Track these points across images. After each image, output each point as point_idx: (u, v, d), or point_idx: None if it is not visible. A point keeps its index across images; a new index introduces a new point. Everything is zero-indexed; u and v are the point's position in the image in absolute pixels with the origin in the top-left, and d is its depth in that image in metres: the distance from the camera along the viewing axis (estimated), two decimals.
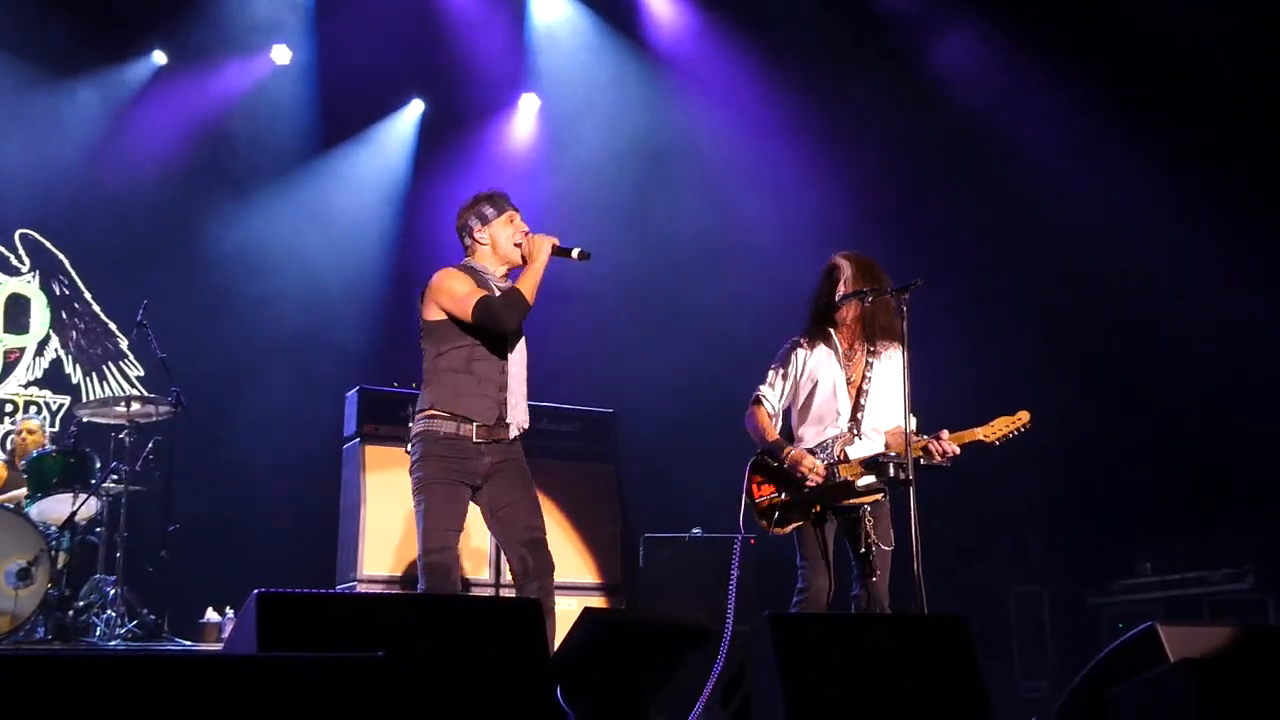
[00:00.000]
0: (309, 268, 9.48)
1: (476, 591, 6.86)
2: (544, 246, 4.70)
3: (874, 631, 3.72)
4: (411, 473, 4.59)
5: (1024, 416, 5.04)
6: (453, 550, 4.52)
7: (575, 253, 4.76)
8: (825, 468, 4.91)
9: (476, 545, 7.04)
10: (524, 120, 10.28)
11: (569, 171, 9.82)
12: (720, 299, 9.12)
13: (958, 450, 4.89)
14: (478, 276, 4.72)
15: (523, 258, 4.74)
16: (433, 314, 4.68)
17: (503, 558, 7.00)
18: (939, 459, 4.87)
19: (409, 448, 4.63)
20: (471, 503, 4.63)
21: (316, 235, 9.62)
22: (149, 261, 9.03)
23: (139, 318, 7.53)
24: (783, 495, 4.98)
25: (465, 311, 4.56)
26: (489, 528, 4.73)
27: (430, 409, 4.60)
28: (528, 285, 4.63)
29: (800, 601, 4.94)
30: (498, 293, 4.66)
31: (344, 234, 9.79)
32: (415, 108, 10.27)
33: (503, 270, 4.82)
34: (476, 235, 4.83)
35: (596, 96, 9.82)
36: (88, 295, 9.28)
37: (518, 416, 4.69)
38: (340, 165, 9.98)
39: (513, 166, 10.06)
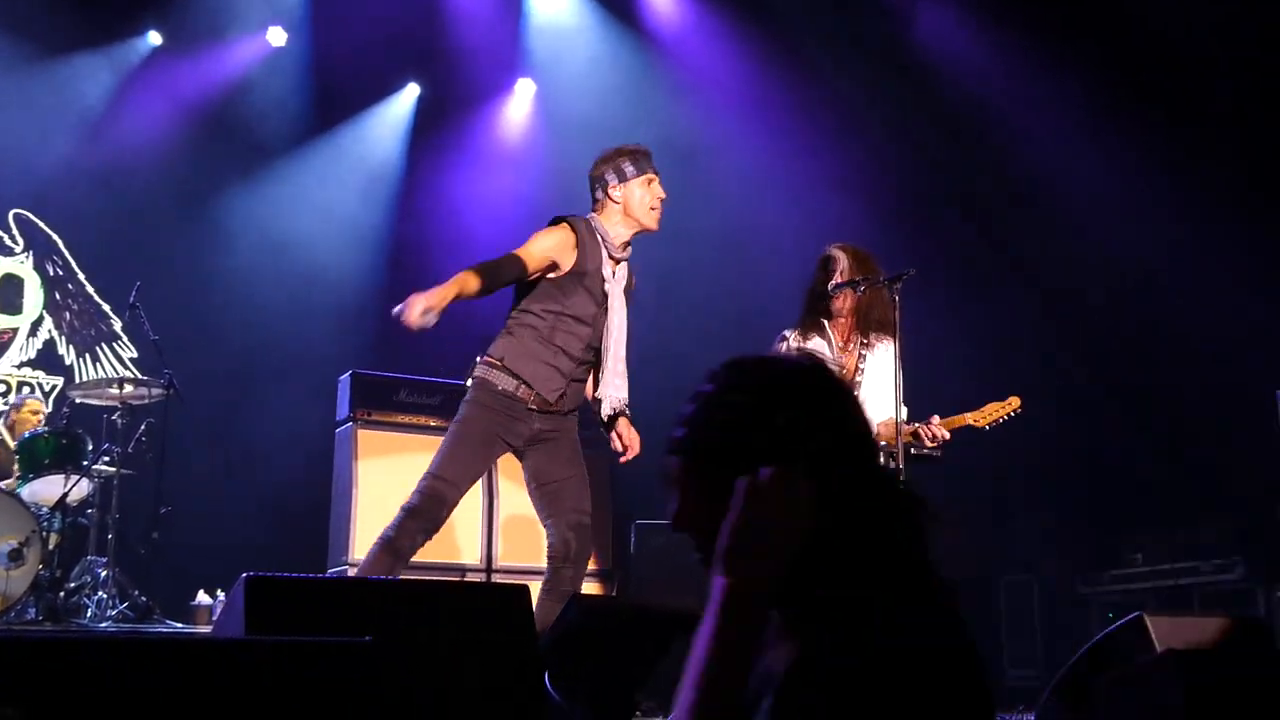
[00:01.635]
0: (303, 251, 9.47)
1: (469, 577, 6.87)
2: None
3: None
4: (461, 408, 4.54)
5: (1014, 402, 5.07)
6: (461, 492, 4.42)
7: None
8: None
9: (468, 530, 7.05)
10: (519, 105, 10.26)
11: (564, 158, 9.80)
12: (715, 285, 9.12)
13: (948, 435, 4.92)
14: (592, 239, 4.62)
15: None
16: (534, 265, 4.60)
17: (495, 543, 7.09)
18: (930, 444, 4.89)
19: (468, 382, 4.60)
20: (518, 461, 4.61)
21: (311, 218, 9.61)
22: (143, 243, 9.02)
23: (132, 299, 7.52)
24: None
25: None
26: (531, 497, 4.63)
27: (497, 360, 4.52)
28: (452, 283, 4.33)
29: None
30: (604, 263, 4.60)
31: (339, 217, 9.77)
32: (411, 91, 10.25)
33: (628, 234, 4.70)
34: (610, 191, 4.69)
35: (593, 82, 9.79)
36: (81, 276, 9.27)
37: (610, 393, 4.68)
38: (335, 148, 9.96)
39: (508, 152, 10.05)
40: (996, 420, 5.06)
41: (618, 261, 4.71)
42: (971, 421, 5.03)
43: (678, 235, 9.22)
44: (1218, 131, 7.43)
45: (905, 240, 7.73)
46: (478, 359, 4.62)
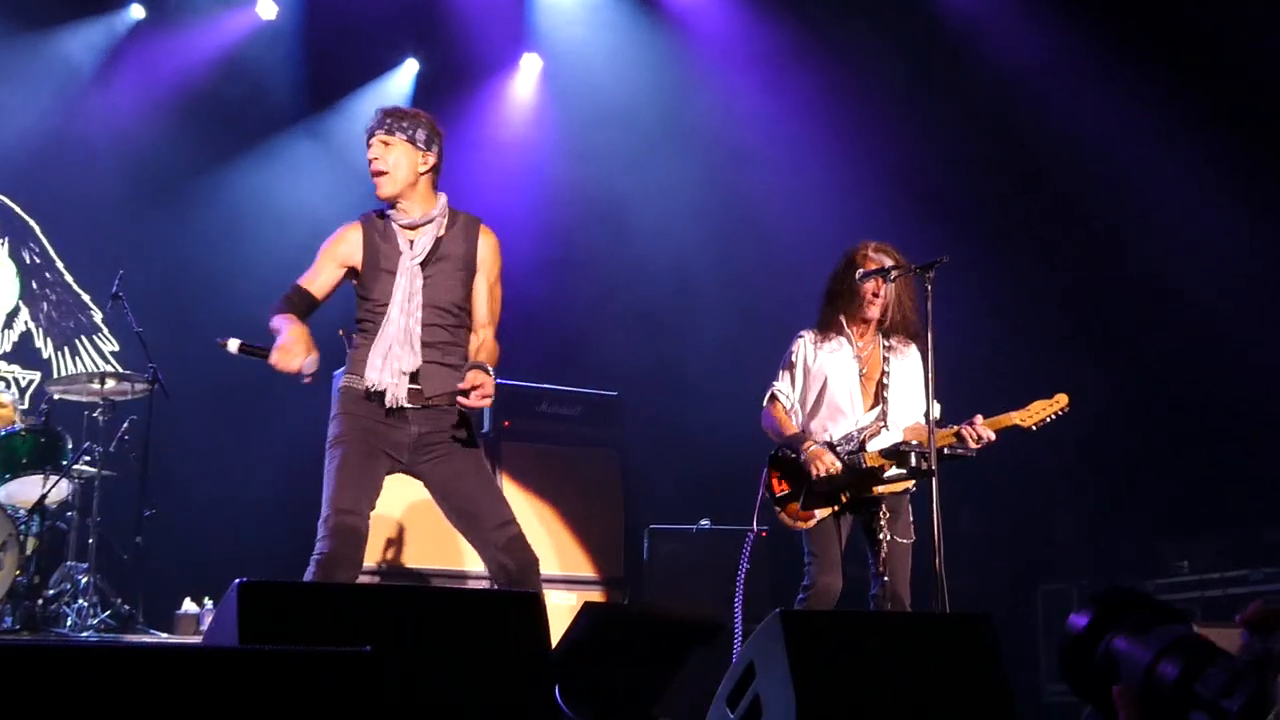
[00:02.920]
0: (295, 238, 9.42)
1: (474, 584, 6.88)
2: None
3: (891, 630, 3.74)
4: (330, 429, 4.43)
5: (1062, 400, 5.06)
6: (366, 517, 4.23)
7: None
8: (847, 456, 4.96)
9: None
10: (525, 82, 10.25)
11: (571, 137, 9.81)
12: (730, 274, 9.12)
13: (994, 436, 4.91)
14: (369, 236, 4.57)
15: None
16: None
17: None
18: (973, 445, 4.90)
19: None
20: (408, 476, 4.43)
21: (305, 202, 9.59)
22: (126, 230, 9.02)
23: (114, 289, 7.53)
24: (804, 488, 5.01)
25: None
26: (448, 519, 4.43)
27: (349, 367, 4.47)
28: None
29: (805, 599, 4.97)
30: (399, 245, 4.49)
31: (333, 202, 9.75)
32: (410, 68, 10.24)
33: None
34: (435, 160, 4.60)
35: (602, 57, 9.78)
36: (60, 265, 9.29)
37: (393, 375, 4.35)
38: (330, 128, 9.96)
39: (512, 131, 10.05)
40: (1044, 420, 5.04)
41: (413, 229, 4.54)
42: (1018, 421, 5.01)
43: (699, 216, 9.31)
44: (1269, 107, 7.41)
45: (935, 229, 7.72)
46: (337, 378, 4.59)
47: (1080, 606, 1.92)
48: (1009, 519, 8.41)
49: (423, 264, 4.44)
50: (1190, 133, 7.57)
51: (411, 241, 4.47)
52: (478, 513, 4.30)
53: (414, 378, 4.35)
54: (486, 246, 4.57)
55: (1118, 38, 7.88)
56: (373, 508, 4.29)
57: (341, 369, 4.58)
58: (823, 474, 4.94)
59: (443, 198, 4.55)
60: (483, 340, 4.52)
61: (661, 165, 9.47)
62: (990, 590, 7.74)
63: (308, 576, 4.16)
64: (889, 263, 5.10)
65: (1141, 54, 7.79)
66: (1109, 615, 1.86)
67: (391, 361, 4.35)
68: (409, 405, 4.33)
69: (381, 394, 4.33)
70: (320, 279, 4.57)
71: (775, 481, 5.12)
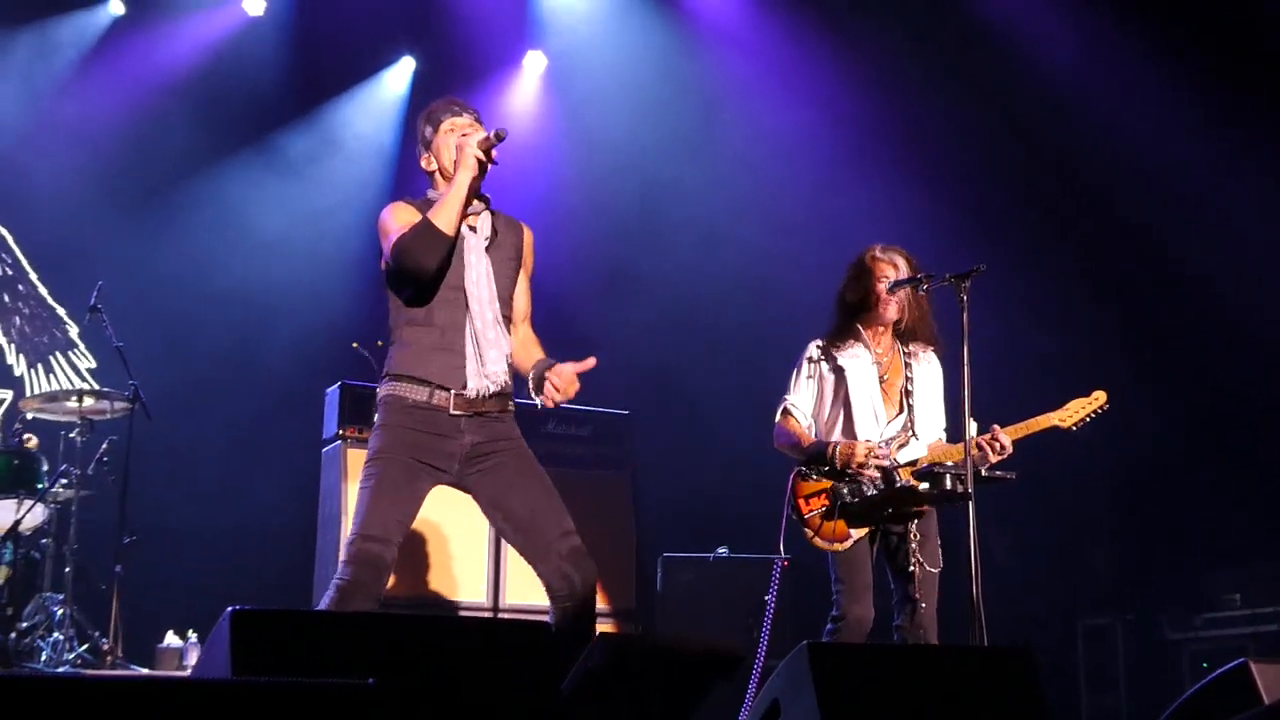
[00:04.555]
0: (284, 245, 9.49)
1: (465, 615, 6.89)
2: (466, 155, 4.25)
3: (926, 664, 3.73)
4: (369, 443, 4.29)
5: (1100, 397, 5.09)
6: (394, 545, 4.14)
7: (493, 134, 4.27)
8: (885, 460, 4.94)
9: (472, 563, 7.06)
10: (528, 81, 10.29)
11: (578, 138, 9.83)
12: (750, 283, 9.14)
13: (1009, 446, 4.91)
14: (430, 207, 4.35)
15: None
16: (386, 261, 4.37)
17: (503, 577, 7.10)
18: (995, 457, 4.89)
19: (376, 417, 4.34)
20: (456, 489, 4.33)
21: (294, 209, 9.63)
22: (104, 239, 9.04)
23: (92, 301, 7.54)
24: (839, 504, 4.98)
25: (389, 254, 4.26)
26: (501, 533, 4.40)
27: (392, 372, 4.30)
28: (444, 209, 4.20)
29: (834, 631, 4.95)
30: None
31: (325, 207, 9.79)
32: (406, 65, 10.27)
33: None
34: (423, 163, 4.54)
35: (610, 55, 9.82)
36: (33, 276, 9.31)
37: (489, 369, 4.28)
38: (321, 130, 9.99)
39: (516, 133, 10.05)
40: (1083, 420, 5.07)
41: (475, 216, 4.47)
42: (1057, 422, 5.04)
43: (716, 221, 9.32)
44: None
45: (957, 231, 7.74)
46: (378, 387, 4.43)
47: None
48: (1044, 546, 8.39)
49: (486, 248, 4.39)
50: (1236, 126, 7.57)
51: (473, 227, 4.39)
52: (538, 522, 4.21)
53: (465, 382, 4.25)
54: (529, 240, 4.57)
55: (1157, 28, 7.90)
56: (406, 532, 4.23)
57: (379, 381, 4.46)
58: (863, 463, 4.91)
59: None
60: (529, 337, 4.52)
61: (674, 169, 9.49)
62: (1026, 624, 7.72)
63: (324, 602, 4.14)
64: (900, 261, 5.14)
65: (1182, 44, 7.81)
66: None
67: (487, 350, 4.27)
68: (459, 413, 4.23)
69: (432, 401, 4.22)
70: None
71: (802, 502, 5.08)
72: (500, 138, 4.22)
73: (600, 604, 7.38)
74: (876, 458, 4.95)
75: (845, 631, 4.90)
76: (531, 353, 4.43)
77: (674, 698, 3.64)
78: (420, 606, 6.85)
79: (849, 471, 4.98)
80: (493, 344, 4.30)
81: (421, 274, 4.21)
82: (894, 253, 5.20)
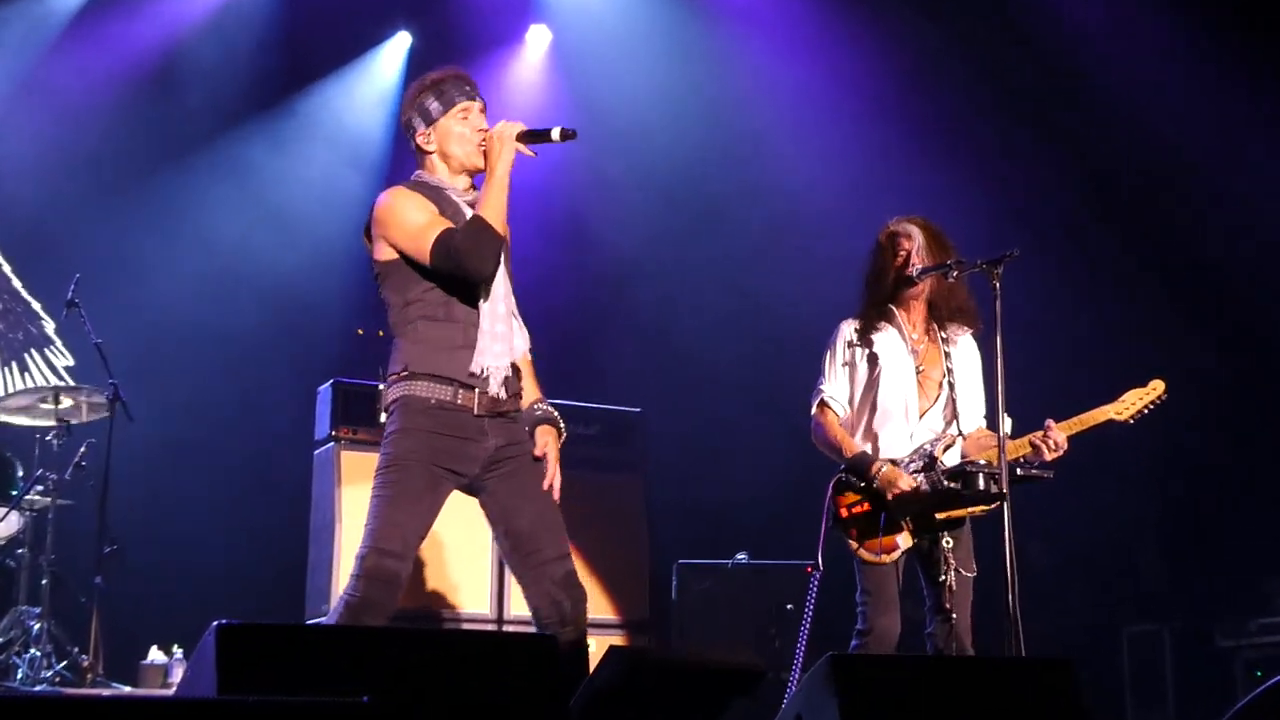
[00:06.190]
0: (273, 235, 9.49)
1: (468, 627, 6.90)
2: (505, 143, 4.20)
3: (958, 677, 3.72)
4: (383, 447, 4.20)
5: (1158, 387, 5.09)
6: (410, 560, 4.11)
7: (555, 133, 4.22)
8: (925, 477, 4.91)
9: (475, 572, 7.07)
10: (532, 57, 10.29)
11: (585, 118, 9.81)
12: (765, 270, 9.12)
13: (1064, 444, 4.90)
14: (436, 195, 4.29)
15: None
16: (385, 253, 4.26)
17: (507, 587, 7.10)
18: (1049, 455, 4.88)
19: (383, 418, 4.27)
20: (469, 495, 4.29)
21: (282, 197, 9.64)
22: (81, 230, 9.05)
23: (69, 296, 7.56)
24: (883, 515, 4.94)
25: (424, 253, 4.14)
26: (496, 540, 4.37)
27: (409, 370, 4.21)
28: (492, 204, 4.15)
29: (860, 645, 4.95)
30: (461, 210, 4.27)
31: (316, 195, 9.79)
32: (402, 41, 10.28)
33: (465, 181, 4.39)
34: (420, 140, 4.41)
35: (618, 30, 9.82)
36: (7, 269, 9.33)
37: (507, 357, 4.26)
38: (311, 112, 10.00)
39: (519, 113, 10.03)
40: (1141, 411, 5.07)
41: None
42: (1113, 415, 5.04)
43: (730, 206, 9.31)
44: None
45: (995, 212, 7.73)
46: (383, 386, 4.38)
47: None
48: (1085, 550, 8.37)
49: None
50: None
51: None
52: (538, 541, 4.20)
53: (487, 382, 4.22)
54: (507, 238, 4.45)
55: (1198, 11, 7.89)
56: (421, 543, 4.19)
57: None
58: (905, 498, 4.88)
59: None
60: (526, 357, 4.46)
61: (686, 143, 9.47)
62: (1067, 633, 7.71)
63: (333, 619, 4.12)
64: (915, 231, 5.11)
65: (1219, 24, 7.79)
66: None
67: (509, 346, 4.27)
68: (484, 414, 4.20)
69: (457, 400, 4.17)
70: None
71: (844, 511, 5.05)
72: (569, 136, 4.21)
73: (611, 614, 7.43)
74: (920, 494, 4.89)
75: (871, 646, 4.90)
76: (534, 388, 4.45)
77: (690, 715, 3.64)
78: (422, 618, 6.86)
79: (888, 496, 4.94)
80: (513, 339, 4.30)
81: (479, 276, 4.17)
82: (907, 222, 5.17)
